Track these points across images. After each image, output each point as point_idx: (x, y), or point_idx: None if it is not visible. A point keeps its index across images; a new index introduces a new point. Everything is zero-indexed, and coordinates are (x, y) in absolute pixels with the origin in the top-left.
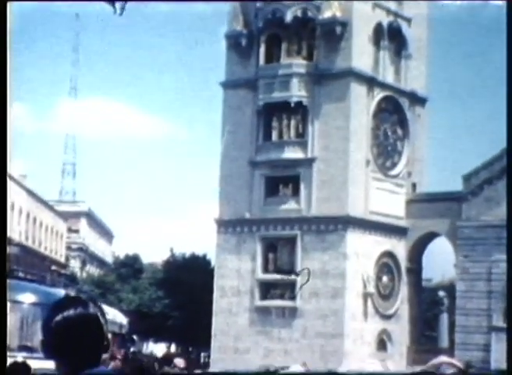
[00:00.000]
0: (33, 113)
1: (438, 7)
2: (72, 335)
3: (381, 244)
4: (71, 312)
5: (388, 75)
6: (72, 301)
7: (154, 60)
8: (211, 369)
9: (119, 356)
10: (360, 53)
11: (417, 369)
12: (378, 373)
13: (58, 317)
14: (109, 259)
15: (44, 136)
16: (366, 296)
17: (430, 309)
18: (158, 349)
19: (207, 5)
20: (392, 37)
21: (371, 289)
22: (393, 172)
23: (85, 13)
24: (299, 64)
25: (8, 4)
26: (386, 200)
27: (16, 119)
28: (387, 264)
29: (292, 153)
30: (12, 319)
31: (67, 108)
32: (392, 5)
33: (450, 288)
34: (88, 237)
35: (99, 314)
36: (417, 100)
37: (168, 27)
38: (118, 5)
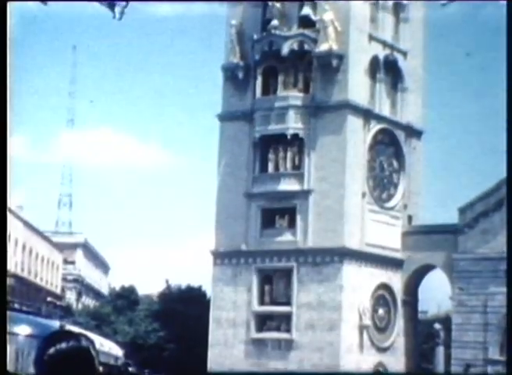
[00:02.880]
0: (29, 144)
1: (434, 34)
2: (64, 368)
3: (377, 276)
4: (63, 345)
5: (384, 107)
6: (65, 335)
7: (152, 89)
8: None
9: None
10: (357, 86)
11: None
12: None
13: (51, 350)
14: (105, 291)
15: (40, 167)
16: (362, 328)
17: (426, 342)
18: None
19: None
20: (388, 70)
21: (367, 321)
22: (389, 204)
23: (81, 43)
24: (295, 96)
25: (9, 4)
26: (382, 232)
27: (12, 150)
28: (383, 296)
29: (288, 185)
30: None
31: (64, 140)
32: (389, 38)
33: (446, 321)
34: (84, 268)
35: (91, 347)
36: (413, 132)
37: (167, 54)
38: (117, 8)
